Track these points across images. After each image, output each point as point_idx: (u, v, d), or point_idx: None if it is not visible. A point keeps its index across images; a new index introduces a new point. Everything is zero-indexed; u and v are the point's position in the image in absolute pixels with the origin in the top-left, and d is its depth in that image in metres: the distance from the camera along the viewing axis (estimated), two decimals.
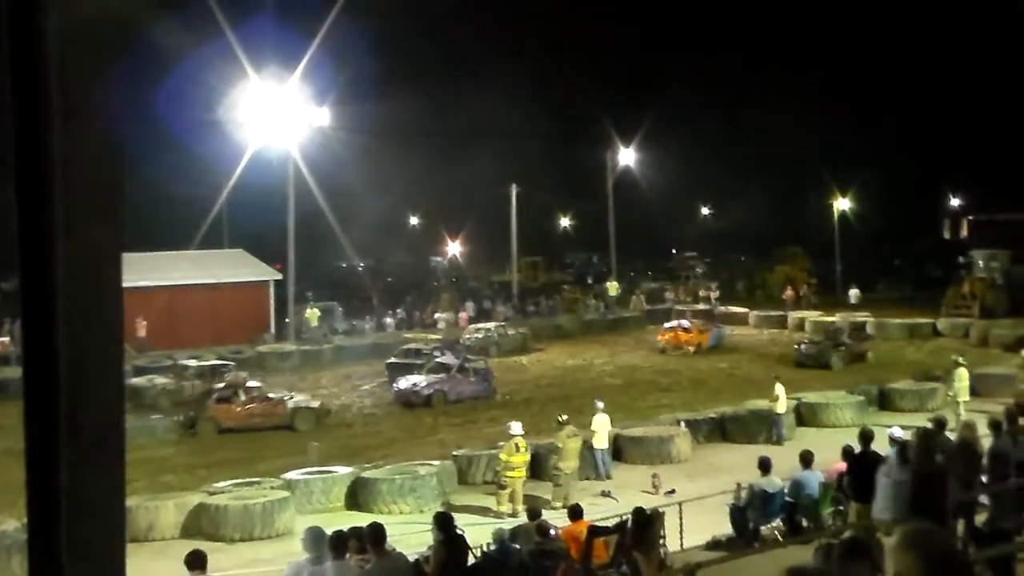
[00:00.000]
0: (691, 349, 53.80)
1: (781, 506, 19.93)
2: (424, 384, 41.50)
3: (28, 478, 1.96)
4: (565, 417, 27.75)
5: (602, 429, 28.98)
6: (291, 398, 38.80)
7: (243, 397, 37.61)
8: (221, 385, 39.14)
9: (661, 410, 36.61)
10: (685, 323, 57.20)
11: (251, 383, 39.69)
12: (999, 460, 17.22)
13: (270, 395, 38.51)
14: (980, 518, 16.47)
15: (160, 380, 43.49)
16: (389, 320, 66.56)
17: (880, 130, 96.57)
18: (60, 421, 1.92)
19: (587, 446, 28.28)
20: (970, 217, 74.10)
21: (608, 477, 28.35)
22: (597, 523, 18.59)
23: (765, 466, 20.31)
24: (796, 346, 50.02)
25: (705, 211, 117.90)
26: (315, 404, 38.96)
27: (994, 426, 17.89)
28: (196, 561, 12.76)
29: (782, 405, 32.28)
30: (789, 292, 71.96)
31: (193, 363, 45.68)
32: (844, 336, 49.70)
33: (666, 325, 57.73)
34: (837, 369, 45.24)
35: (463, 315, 67.71)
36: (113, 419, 2.02)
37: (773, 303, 71.52)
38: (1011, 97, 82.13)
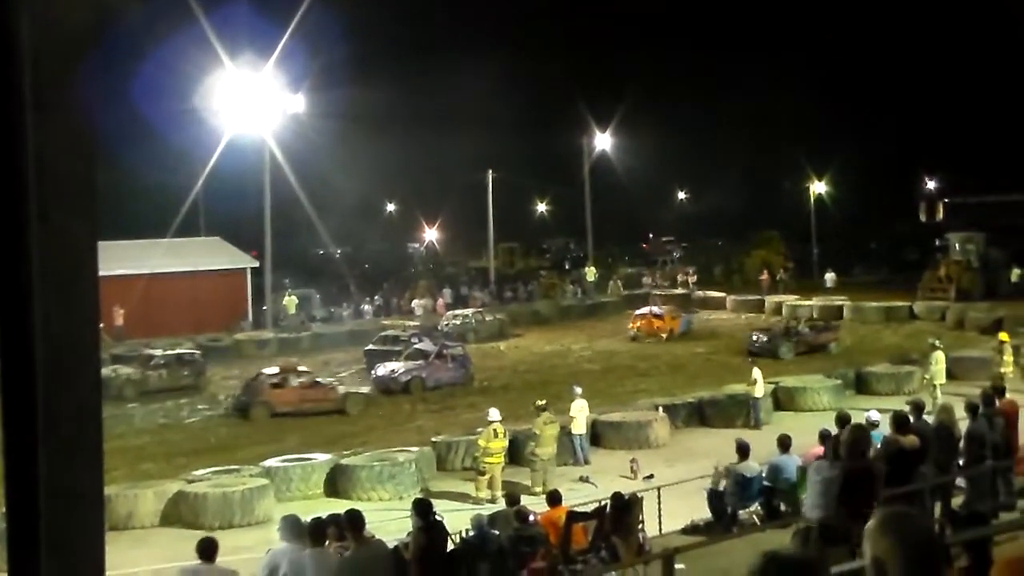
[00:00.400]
0: (663, 336, 53.73)
1: (759, 490, 20.00)
2: (402, 371, 41.48)
3: (6, 467, 1.96)
4: (543, 403, 27.74)
5: (580, 415, 28.98)
6: (340, 384, 39.72)
7: (295, 382, 38.06)
8: (272, 371, 39.31)
9: (639, 395, 36.68)
10: (656, 309, 56.94)
11: (301, 368, 40.34)
12: (976, 443, 17.32)
13: (319, 380, 39.15)
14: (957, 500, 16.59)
15: (125, 370, 43.13)
16: (367, 307, 66.49)
17: (856, 113, 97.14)
18: (38, 410, 1.92)
19: (566, 432, 28.32)
20: (946, 200, 74.20)
21: (587, 462, 28.35)
22: (576, 508, 18.63)
23: (743, 450, 20.38)
24: (751, 335, 49.68)
25: (681, 196, 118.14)
26: (365, 390, 39.82)
27: (971, 409, 17.97)
28: (210, 550, 12.58)
29: (759, 389, 32.32)
30: (764, 276, 72.09)
31: (158, 352, 45.22)
32: (800, 326, 49.29)
33: (637, 312, 57.45)
34: (787, 359, 44.80)
35: (440, 302, 67.69)
36: (91, 408, 2.02)
37: (751, 287, 71.64)
38: (987, 81, 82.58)
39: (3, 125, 1.88)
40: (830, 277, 70.75)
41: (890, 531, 3.62)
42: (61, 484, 1.95)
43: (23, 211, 1.89)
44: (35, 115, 1.86)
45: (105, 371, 41.08)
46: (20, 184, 1.89)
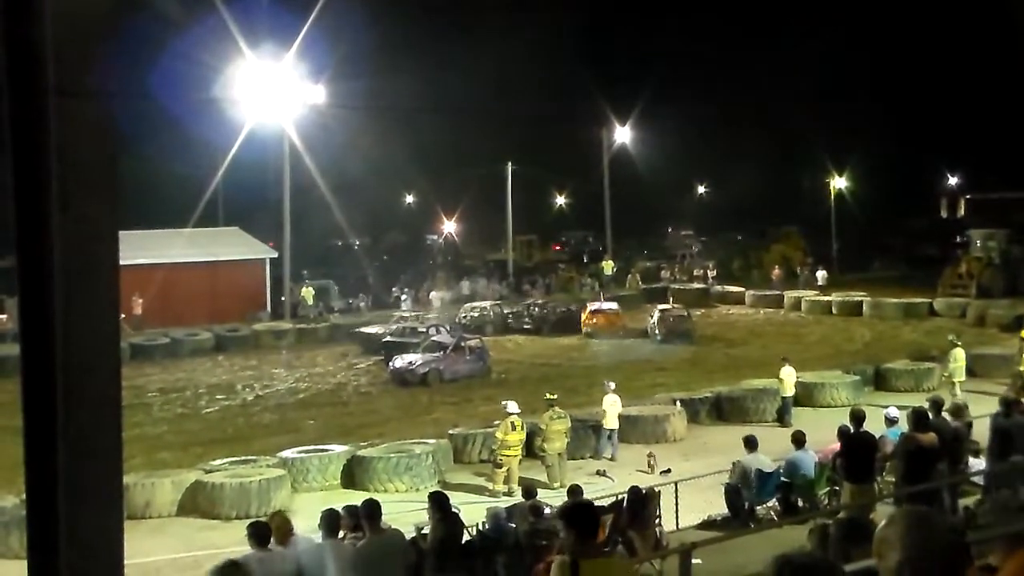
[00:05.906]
0: (621, 333, 52.82)
1: (776, 486, 20.00)
2: (420, 362, 41.46)
3: (26, 458, 1.96)
4: (553, 396, 27.58)
5: (611, 410, 28.62)
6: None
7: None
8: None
9: (657, 389, 36.55)
10: (606, 305, 55.61)
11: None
12: (1000, 437, 17.20)
13: None
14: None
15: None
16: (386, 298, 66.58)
17: (877, 109, 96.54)
18: (58, 398, 1.91)
19: (588, 425, 28.29)
20: (968, 196, 73.95)
21: (612, 459, 28.03)
22: (592, 502, 18.61)
23: (751, 443, 20.44)
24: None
25: (701, 189, 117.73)
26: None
27: (1005, 404, 17.76)
28: (264, 535, 12.33)
29: (789, 388, 32.08)
30: (776, 271, 71.81)
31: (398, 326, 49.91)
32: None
33: (590, 307, 55.20)
34: None
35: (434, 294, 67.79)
36: (110, 396, 2.01)
37: (769, 282, 71.41)
38: (1009, 76, 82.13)
39: (27, 110, 1.87)
40: (821, 275, 69.86)
41: (911, 531, 3.60)
42: (79, 476, 1.94)
43: (45, 198, 1.88)
44: (58, 100, 1.85)
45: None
46: (43, 172, 1.88)
